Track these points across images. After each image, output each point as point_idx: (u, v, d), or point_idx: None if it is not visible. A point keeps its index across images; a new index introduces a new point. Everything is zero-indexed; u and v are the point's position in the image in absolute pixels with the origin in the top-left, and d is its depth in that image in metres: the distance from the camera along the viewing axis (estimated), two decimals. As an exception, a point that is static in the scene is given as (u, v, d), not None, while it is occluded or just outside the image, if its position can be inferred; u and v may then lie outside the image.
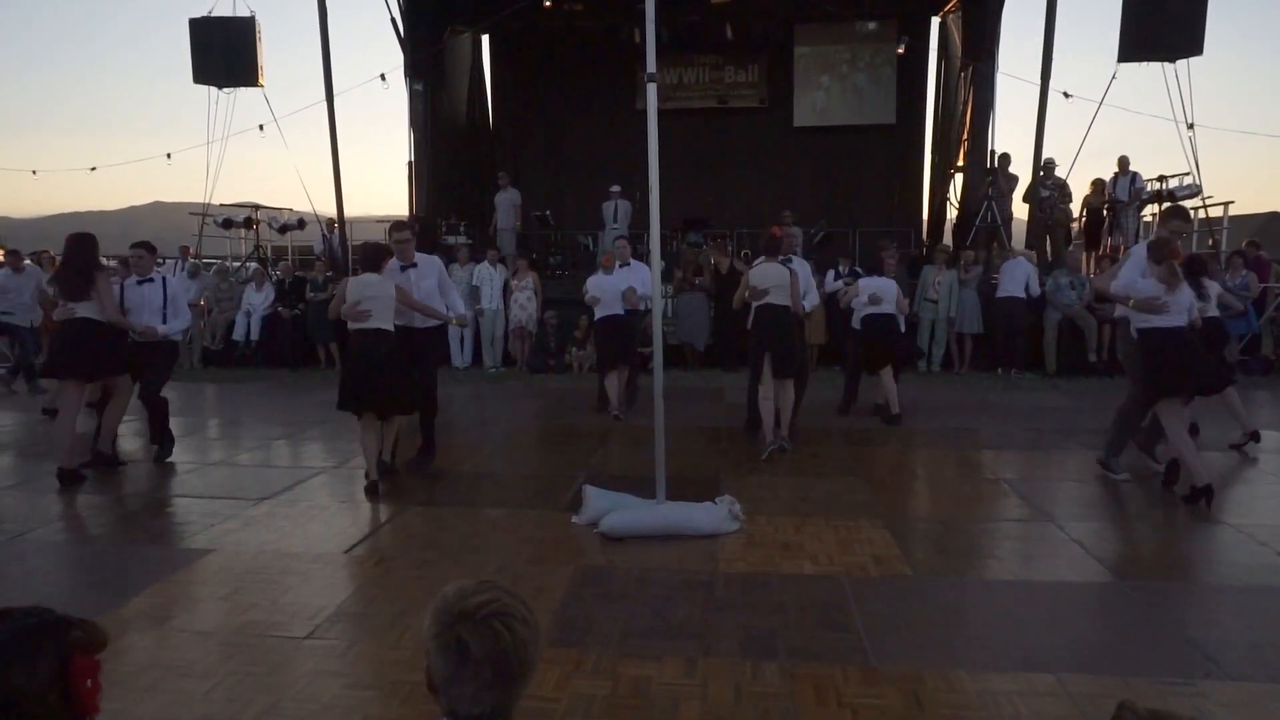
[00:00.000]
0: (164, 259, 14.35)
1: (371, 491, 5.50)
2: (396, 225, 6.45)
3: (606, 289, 8.09)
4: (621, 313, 8.10)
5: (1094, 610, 3.68)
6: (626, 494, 4.94)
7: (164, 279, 6.66)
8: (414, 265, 6.05)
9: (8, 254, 11.76)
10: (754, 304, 6.50)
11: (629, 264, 8.25)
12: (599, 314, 8.17)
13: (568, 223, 15.33)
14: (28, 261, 11.00)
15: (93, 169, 16.70)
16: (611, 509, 4.72)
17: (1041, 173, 12.52)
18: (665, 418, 4.86)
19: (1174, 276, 5.08)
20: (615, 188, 13.80)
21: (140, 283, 6.50)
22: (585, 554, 4.37)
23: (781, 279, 6.47)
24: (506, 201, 13.92)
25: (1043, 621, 3.55)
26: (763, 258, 6.75)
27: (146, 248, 6.66)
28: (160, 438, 6.62)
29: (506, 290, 11.64)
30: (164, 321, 6.52)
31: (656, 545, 4.45)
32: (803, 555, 4.32)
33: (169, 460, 6.52)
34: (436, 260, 6.42)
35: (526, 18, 14.15)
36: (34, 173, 17.62)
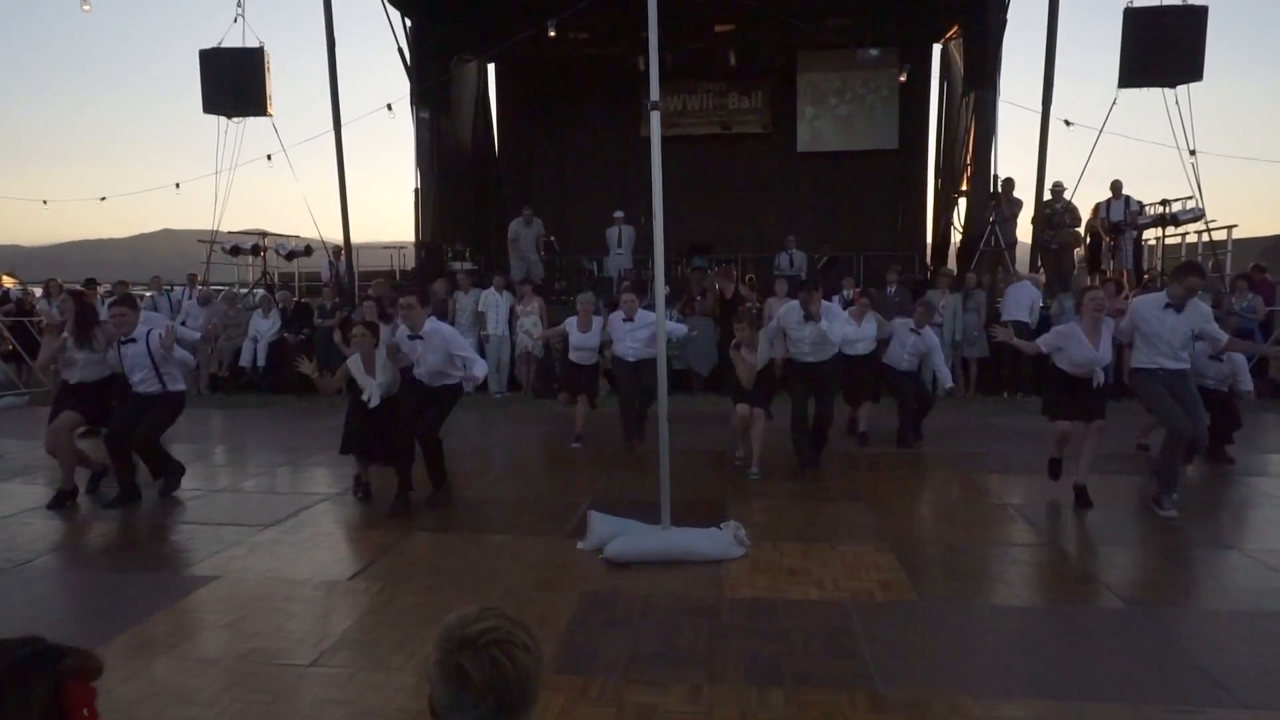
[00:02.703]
0: (172, 285, 14.48)
1: (357, 489, 6.08)
2: (400, 289, 6.10)
3: (584, 343, 8.15)
4: (595, 363, 8.27)
5: (1103, 636, 3.64)
6: (631, 519, 4.94)
7: (146, 337, 6.05)
8: (420, 338, 5.83)
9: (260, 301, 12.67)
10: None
11: (632, 319, 7.83)
12: (573, 358, 8.26)
13: (572, 248, 15.43)
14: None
15: (103, 199, 16.85)
16: (616, 534, 4.71)
17: (1051, 195, 12.55)
18: (669, 443, 4.86)
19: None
20: (619, 213, 13.88)
21: (124, 343, 6.05)
22: (590, 580, 4.35)
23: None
24: (530, 234, 13.90)
25: (1051, 647, 3.52)
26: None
27: (128, 304, 6.23)
28: (161, 475, 6.30)
29: (512, 316, 11.68)
30: (159, 380, 6.12)
31: (661, 571, 4.43)
32: (808, 581, 4.30)
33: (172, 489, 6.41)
34: (445, 330, 5.99)
35: (532, 46, 14.32)
36: (45, 202, 17.80)
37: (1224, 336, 5.71)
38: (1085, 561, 4.62)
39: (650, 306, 7.85)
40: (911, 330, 8.09)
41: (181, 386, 6.32)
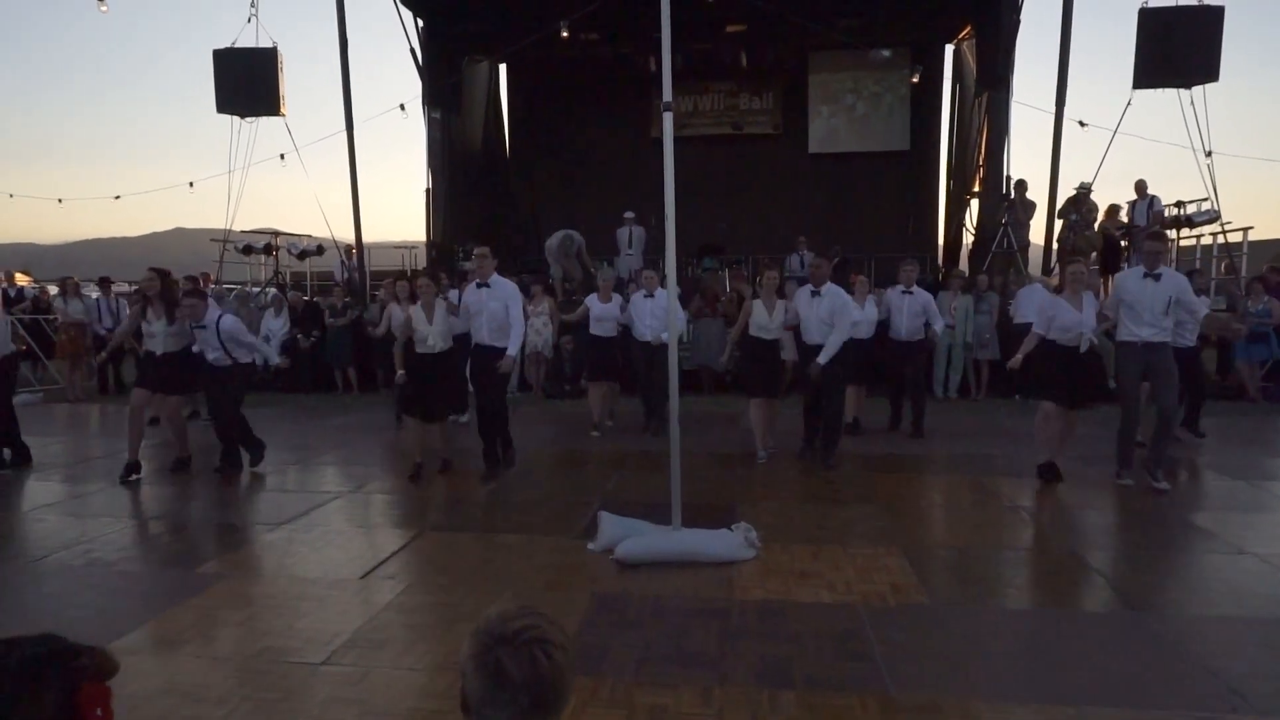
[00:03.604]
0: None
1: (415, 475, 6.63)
2: (479, 244, 7.11)
3: (606, 314, 8.80)
4: (616, 335, 8.80)
5: (1115, 641, 3.62)
6: (642, 520, 4.93)
7: (216, 323, 6.85)
8: (487, 285, 6.58)
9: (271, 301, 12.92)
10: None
11: (653, 295, 8.40)
12: (594, 331, 8.82)
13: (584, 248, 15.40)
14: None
15: (117, 197, 16.99)
16: (626, 535, 4.71)
17: (1077, 194, 12.45)
18: (680, 443, 4.86)
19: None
20: (629, 214, 13.88)
21: (195, 328, 6.86)
22: (600, 581, 4.35)
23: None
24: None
25: (1063, 652, 3.50)
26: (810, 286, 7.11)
27: (198, 295, 7.02)
28: (238, 452, 7.10)
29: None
30: (229, 356, 6.91)
31: (672, 572, 4.43)
32: (820, 583, 4.29)
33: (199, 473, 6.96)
34: (512, 287, 6.75)
35: (543, 47, 14.34)
36: (59, 201, 17.94)
37: (1202, 307, 6.03)
38: (1097, 565, 4.59)
39: None
40: (904, 293, 8.19)
41: (249, 359, 7.14)
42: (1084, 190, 12.50)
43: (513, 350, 6.54)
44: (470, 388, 7.40)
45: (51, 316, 13.18)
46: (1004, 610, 4.00)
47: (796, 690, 3.14)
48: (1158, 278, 5.94)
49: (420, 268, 16.50)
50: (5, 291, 13.85)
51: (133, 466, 6.76)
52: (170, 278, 7.09)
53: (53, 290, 16.01)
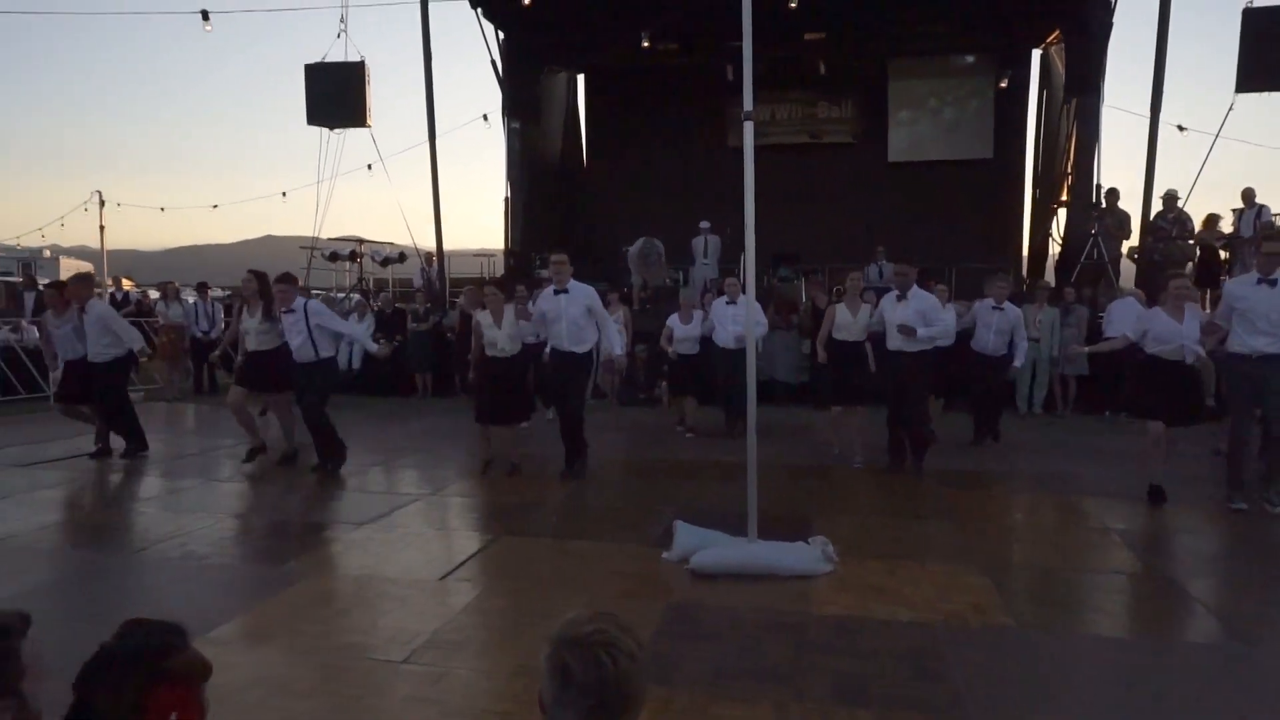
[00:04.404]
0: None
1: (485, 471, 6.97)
2: (555, 251, 7.16)
3: (687, 334, 8.99)
4: (697, 352, 8.96)
5: (1215, 675, 3.44)
6: (717, 531, 4.91)
7: (304, 307, 7.09)
8: (565, 291, 6.60)
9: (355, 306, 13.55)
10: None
11: (735, 302, 8.51)
12: (678, 349, 9.05)
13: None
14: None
15: (215, 206, 17.80)
16: (702, 546, 4.69)
17: (1163, 205, 11.95)
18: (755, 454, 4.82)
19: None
20: (705, 223, 13.86)
21: (285, 312, 7.05)
22: (675, 591, 4.35)
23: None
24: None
25: (1161, 684, 3.34)
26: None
27: (290, 281, 7.29)
28: (326, 454, 7.25)
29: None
30: (314, 347, 7.02)
31: (747, 584, 4.39)
32: (897, 600, 4.19)
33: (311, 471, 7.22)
34: (590, 290, 6.80)
35: (620, 57, 14.48)
36: (162, 209, 18.87)
37: None
38: (1198, 593, 4.37)
39: None
40: (994, 308, 7.94)
41: (331, 353, 7.31)
42: (1170, 197, 11.98)
43: (618, 349, 6.80)
44: (536, 396, 7.67)
45: (153, 319, 13.89)
46: (1095, 637, 3.84)
47: (873, 710, 3.07)
48: (1274, 283, 5.51)
49: (497, 275, 16.82)
50: (113, 295, 14.61)
51: (256, 450, 7.37)
52: (266, 278, 7.40)
53: (154, 294, 16.86)
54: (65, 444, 8.24)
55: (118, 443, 7.93)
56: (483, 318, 6.88)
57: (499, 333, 6.77)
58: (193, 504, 6.19)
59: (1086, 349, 6.37)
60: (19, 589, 4.46)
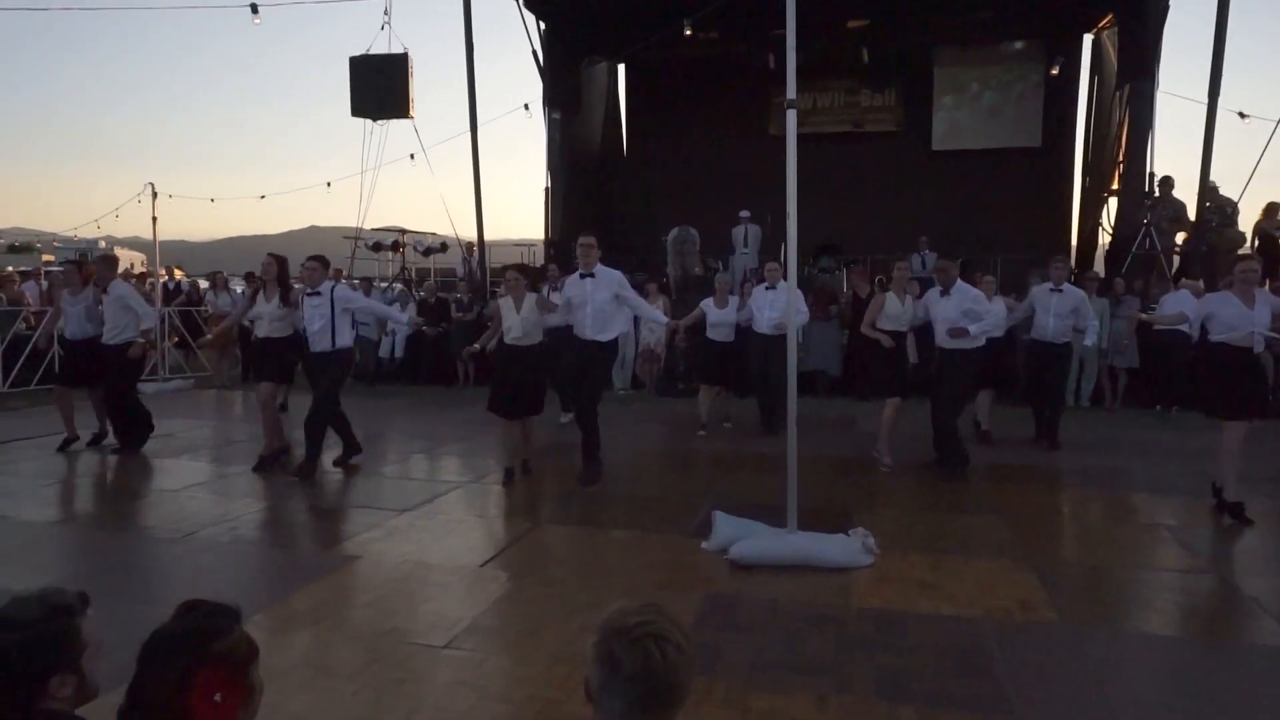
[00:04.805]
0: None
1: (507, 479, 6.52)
2: (584, 234, 6.81)
3: (722, 319, 8.56)
4: (731, 340, 8.56)
5: (1271, 677, 3.35)
6: (756, 521, 4.89)
7: (331, 290, 6.84)
8: (591, 275, 6.35)
9: (362, 280, 14.00)
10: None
11: (774, 287, 8.24)
12: (710, 335, 8.62)
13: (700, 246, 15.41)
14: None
15: (262, 197, 18.08)
16: (741, 536, 4.68)
17: (1199, 195, 11.64)
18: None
19: None
20: (745, 212, 13.77)
21: (309, 294, 6.83)
22: (713, 581, 4.34)
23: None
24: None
25: (1215, 685, 3.26)
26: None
27: (320, 261, 7.06)
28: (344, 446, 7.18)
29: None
30: (331, 336, 6.79)
31: (786, 576, 4.37)
32: (940, 595, 4.14)
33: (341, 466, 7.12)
34: (617, 274, 6.50)
35: (660, 46, 14.39)
36: (212, 200, 19.21)
37: None
38: (1255, 593, 4.25)
39: None
40: (1052, 290, 7.66)
41: (348, 344, 7.11)
42: (1209, 188, 11.63)
43: (660, 319, 7.06)
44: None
45: (203, 308, 14.21)
46: (1144, 635, 3.76)
47: (915, 705, 3.04)
48: None
49: (539, 266, 16.89)
50: (165, 284, 14.95)
51: (278, 454, 7.08)
52: (286, 264, 7.17)
53: (204, 284, 17.23)
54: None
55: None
56: (504, 303, 6.56)
57: (515, 318, 6.45)
58: (241, 489, 6.33)
59: (1143, 315, 6.03)
60: (75, 570, 4.60)
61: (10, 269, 18.59)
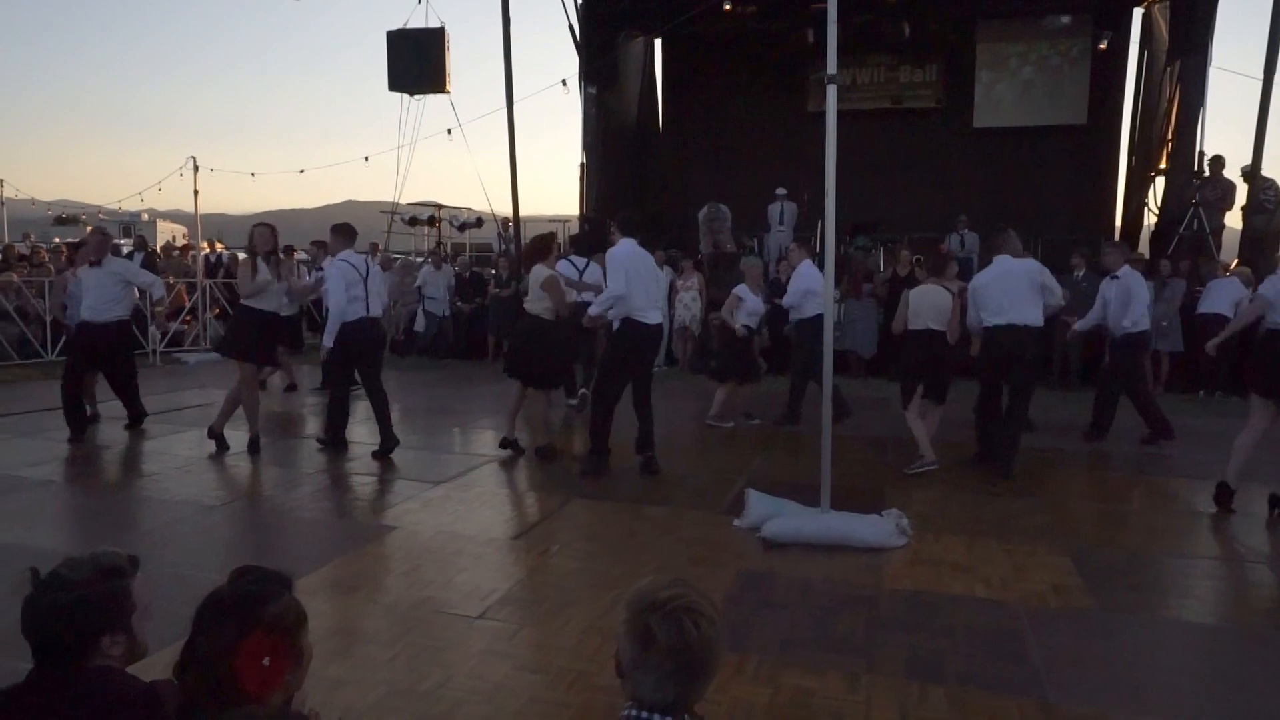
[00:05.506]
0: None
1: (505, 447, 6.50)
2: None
3: (755, 307, 8.13)
4: (754, 325, 8.11)
5: (1315, 666, 3.29)
6: (790, 500, 4.88)
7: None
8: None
9: (430, 253, 14.41)
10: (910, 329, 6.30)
11: (795, 267, 8.08)
12: (743, 320, 8.09)
13: (733, 224, 15.30)
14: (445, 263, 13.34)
15: (301, 171, 18.27)
16: (773, 515, 4.68)
17: (1209, 171, 11.37)
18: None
19: None
20: (781, 190, 13.65)
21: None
22: (746, 558, 4.35)
23: (938, 303, 6.20)
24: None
25: (1254, 674, 3.21)
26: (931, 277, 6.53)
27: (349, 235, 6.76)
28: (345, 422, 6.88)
29: (672, 290, 11.74)
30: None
31: (819, 555, 4.37)
32: (974, 577, 4.11)
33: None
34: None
35: (697, 21, 14.23)
36: (253, 175, 19.47)
37: None
38: (1294, 582, 4.17)
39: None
40: (1113, 278, 7.29)
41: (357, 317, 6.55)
42: (1216, 163, 11.33)
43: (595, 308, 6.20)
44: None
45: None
46: (1182, 623, 3.71)
47: (947, 686, 3.03)
48: None
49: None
50: (207, 257, 15.17)
51: (255, 440, 6.58)
52: (276, 233, 6.85)
53: (242, 257, 17.45)
54: (161, 399, 8.65)
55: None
56: (536, 271, 6.44)
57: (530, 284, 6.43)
58: (280, 459, 6.45)
59: (1215, 343, 5.75)
60: (124, 536, 4.73)
61: (57, 240, 18.96)
